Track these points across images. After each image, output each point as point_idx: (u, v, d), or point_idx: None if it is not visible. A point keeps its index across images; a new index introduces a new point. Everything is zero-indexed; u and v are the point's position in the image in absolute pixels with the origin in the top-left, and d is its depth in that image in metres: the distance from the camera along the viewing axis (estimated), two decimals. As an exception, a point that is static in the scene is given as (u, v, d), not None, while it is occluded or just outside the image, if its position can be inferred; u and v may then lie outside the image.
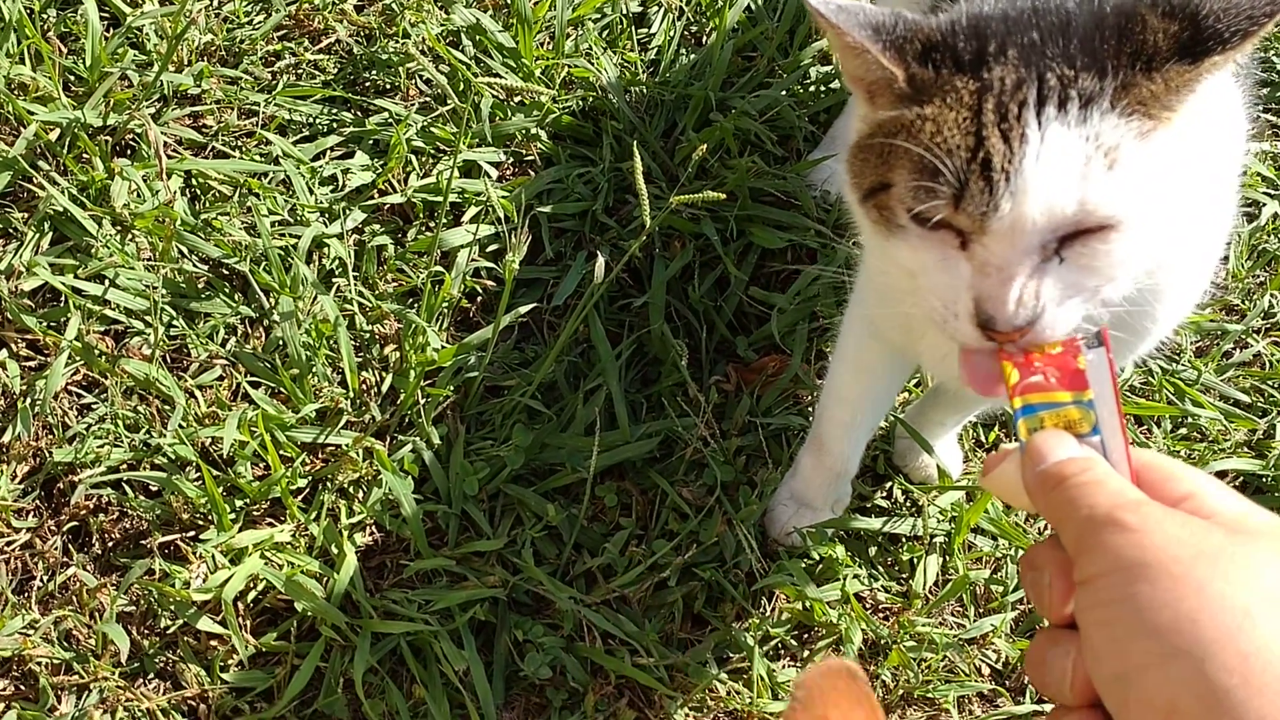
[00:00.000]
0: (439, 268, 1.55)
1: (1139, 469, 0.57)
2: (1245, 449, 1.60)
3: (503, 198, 1.59)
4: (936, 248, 0.80)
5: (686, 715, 1.37)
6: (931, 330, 1.11)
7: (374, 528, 1.42)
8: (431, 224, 1.61)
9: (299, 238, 1.53)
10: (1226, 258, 1.71)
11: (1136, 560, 0.49)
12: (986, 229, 0.75)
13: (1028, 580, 0.57)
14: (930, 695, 1.41)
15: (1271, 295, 1.72)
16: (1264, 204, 1.78)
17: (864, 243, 1.19)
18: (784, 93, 1.73)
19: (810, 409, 1.55)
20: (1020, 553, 1.49)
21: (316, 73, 1.73)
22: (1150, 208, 0.76)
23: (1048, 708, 1.41)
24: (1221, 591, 0.47)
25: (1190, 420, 1.60)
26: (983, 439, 1.60)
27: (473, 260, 1.57)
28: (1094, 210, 0.74)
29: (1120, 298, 0.82)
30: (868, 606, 1.45)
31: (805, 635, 1.43)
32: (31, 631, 1.30)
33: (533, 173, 1.68)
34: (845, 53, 0.82)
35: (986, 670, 1.45)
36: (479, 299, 1.59)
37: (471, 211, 1.61)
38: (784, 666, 1.41)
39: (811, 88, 1.78)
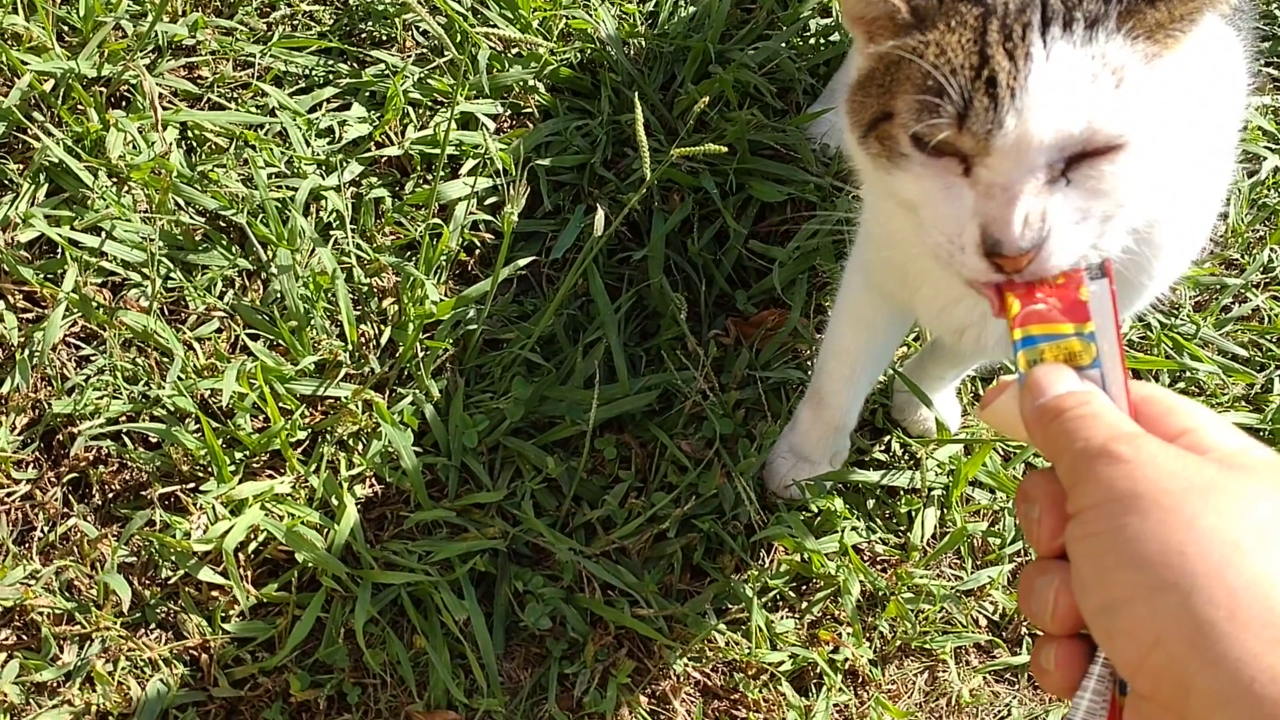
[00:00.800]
0: (437, 220, 1.54)
1: (1139, 402, 0.57)
2: (1243, 403, 1.60)
3: (500, 150, 1.58)
4: (939, 176, 0.79)
5: (685, 665, 1.38)
6: (928, 283, 1.11)
7: (373, 480, 1.42)
8: (429, 176, 1.60)
9: (296, 190, 1.52)
10: (1226, 213, 1.71)
11: (1127, 492, 0.49)
12: (991, 148, 0.74)
13: (1020, 511, 0.57)
14: (928, 646, 1.42)
15: (1271, 250, 1.71)
16: (1264, 158, 1.77)
17: (863, 192, 1.18)
18: (783, 45, 1.71)
19: (809, 363, 1.55)
20: (1017, 505, 1.50)
21: (312, 24, 1.71)
22: (1156, 130, 0.75)
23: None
24: (1212, 525, 0.47)
25: (1189, 374, 1.60)
26: (980, 393, 1.60)
27: (471, 213, 1.57)
28: (1101, 128, 0.73)
29: (1120, 247, 0.81)
30: (866, 558, 1.46)
31: (803, 587, 1.44)
32: (33, 582, 1.30)
33: (530, 125, 1.67)
34: None
35: (984, 622, 1.46)
36: (477, 252, 1.58)
37: (469, 164, 1.60)
38: (782, 617, 1.42)
39: (811, 40, 1.76)
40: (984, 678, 1.43)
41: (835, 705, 1.38)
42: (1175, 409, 0.56)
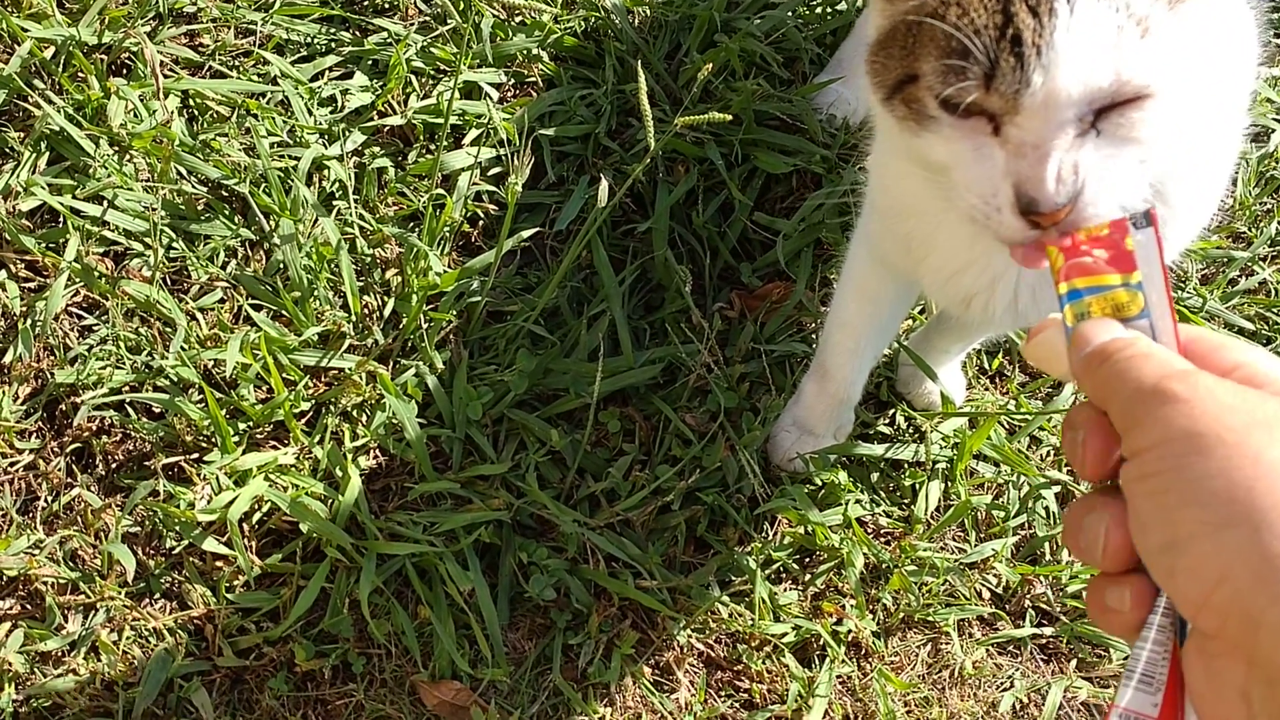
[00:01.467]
0: (440, 191, 1.53)
1: (1186, 343, 0.56)
2: (1248, 377, 1.59)
3: (504, 120, 1.57)
4: (969, 137, 0.78)
5: (689, 636, 1.38)
6: (934, 252, 1.10)
7: (377, 451, 1.42)
8: (432, 146, 1.59)
9: (298, 159, 1.51)
10: (1235, 181, 1.70)
11: (1187, 430, 0.48)
12: (1020, 106, 0.74)
13: (1066, 440, 0.56)
14: (931, 619, 1.42)
15: (1278, 223, 1.70)
16: (1273, 130, 1.76)
17: (868, 163, 1.17)
18: (790, 14, 1.70)
19: (814, 336, 1.54)
20: (1022, 479, 1.50)
21: (314, -9, 1.69)
22: (1181, 78, 0.75)
23: (1046, 631, 1.43)
24: (1278, 459, 0.46)
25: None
26: (986, 366, 1.60)
27: (474, 184, 1.56)
28: (1129, 79, 0.73)
29: (1141, 198, 0.81)
30: (869, 531, 1.46)
31: (807, 559, 1.44)
32: (37, 551, 1.30)
33: (534, 94, 1.65)
34: None
35: (987, 594, 1.46)
36: (480, 223, 1.57)
37: (473, 134, 1.59)
38: (785, 590, 1.42)
39: (818, 9, 1.74)
40: (987, 650, 1.43)
41: (838, 677, 1.39)
42: (1224, 344, 0.54)
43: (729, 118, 1.24)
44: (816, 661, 1.39)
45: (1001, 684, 1.42)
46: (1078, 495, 1.51)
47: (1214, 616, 0.46)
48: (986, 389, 1.59)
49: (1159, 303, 0.56)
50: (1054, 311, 0.61)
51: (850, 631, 1.40)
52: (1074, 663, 1.44)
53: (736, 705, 1.37)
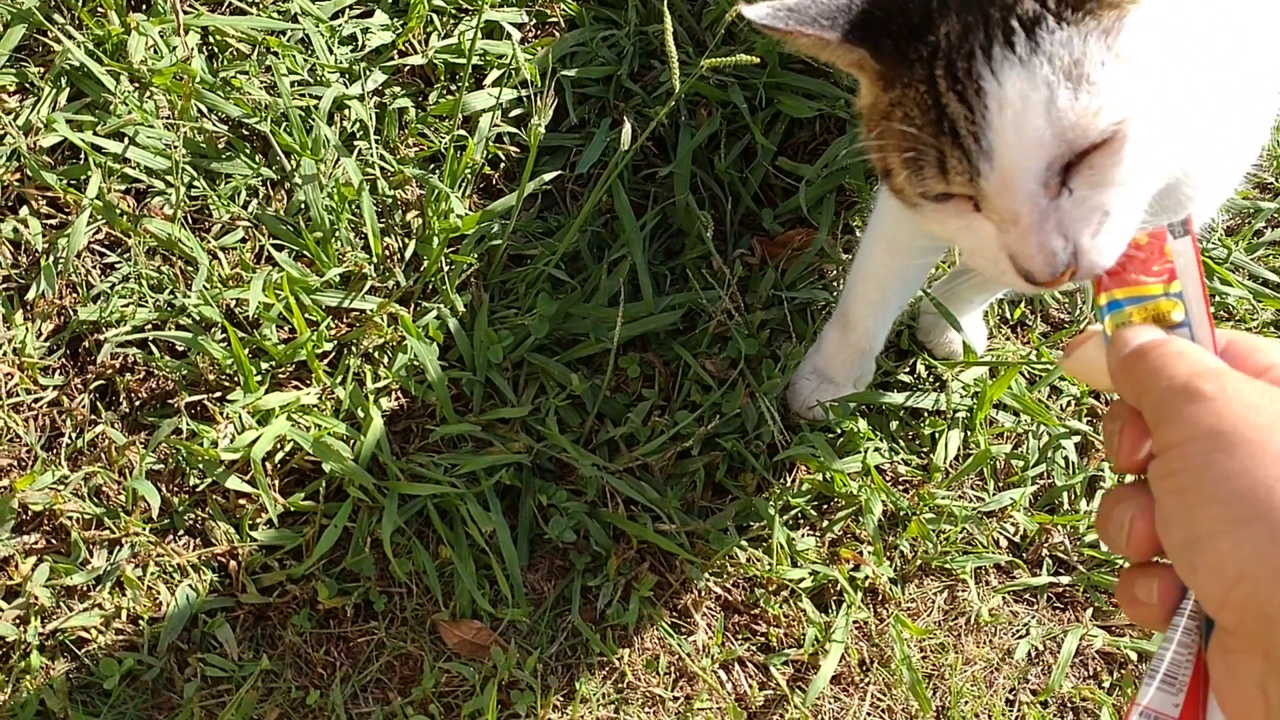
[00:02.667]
0: (461, 132, 1.52)
1: (1225, 347, 0.57)
2: (1272, 329, 1.59)
3: (526, 60, 1.55)
4: (955, 216, 0.79)
5: (707, 580, 1.39)
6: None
7: (399, 393, 1.42)
8: (453, 87, 1.57)
9: (319, 98, 1.50)
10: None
11: (1213, 428, 0.48)
12: (980, 191, 0.74)
13: (1106, 432, 0.57)
14: (948, 566, 1.43)
15: (1307, 176, 1.69)
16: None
17: None
18: (817, -44, 1.67)
19: (835, 283, 1.54)
20: (1042, 428, 1.50)
21: (333, -73, 1.67)
22: (1149, 98, 0.72)
23: (1063, 580, 1.44)
24: None
25: (1218, 299, 1.59)
26: (1008, 315, 1.59)
27: (495, 125, 1.54)
28: (1079, 135, 0.71)
29: (1155, 192, 0.80)
30: (888, 479, 1.46)
31: (825, 506, 1.45)
32: (61, 487, 1.31)
33: (556, 35, 1.63)
34: (811, 49, 0.81)
35: (1004, 543, 1.46)
36: (502, 165, 1.56)
37: (494, 75, 1.58)
38: (803, 535, 1.43)
39: (845, -48, 1.71)
40: (1003, 598, 1.44)
41: (855, 622, 1.40)
42: (1258, 347, 0.55)
43: (755, 59, 1.22)
44: (833, 607, 1.40)
45: (1017, 631, 1.43)
46: (1097, 446, 1.51)
47: (1233, 613, 0.47)
48: (1008, 338, 1.58)
49: (1198, 310, 0.57)
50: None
51: (867, 578, 1.41)
52: (1090, 611, 1.45)
53: (753, 648, 1.39)
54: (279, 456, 1.35)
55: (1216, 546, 0.47)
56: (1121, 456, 0.55)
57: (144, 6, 1.55)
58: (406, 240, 1.48)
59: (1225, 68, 0.85)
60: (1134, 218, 0.76)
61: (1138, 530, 0.53)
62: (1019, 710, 1.40)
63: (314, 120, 1.48)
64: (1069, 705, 1.42)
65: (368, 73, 1.54)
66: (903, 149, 0.76)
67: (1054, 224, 0.73)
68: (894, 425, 1.49)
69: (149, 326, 1.38)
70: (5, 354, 1.36)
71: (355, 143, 1.52)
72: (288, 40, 1.55)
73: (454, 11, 1.62)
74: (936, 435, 1.48)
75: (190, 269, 1.41)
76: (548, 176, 1.52)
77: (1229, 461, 0.47)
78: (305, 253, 1.45)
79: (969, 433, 1.49)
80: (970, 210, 0.78)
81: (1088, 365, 0.60)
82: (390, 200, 1.50)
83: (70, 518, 1.31)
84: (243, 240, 1.45)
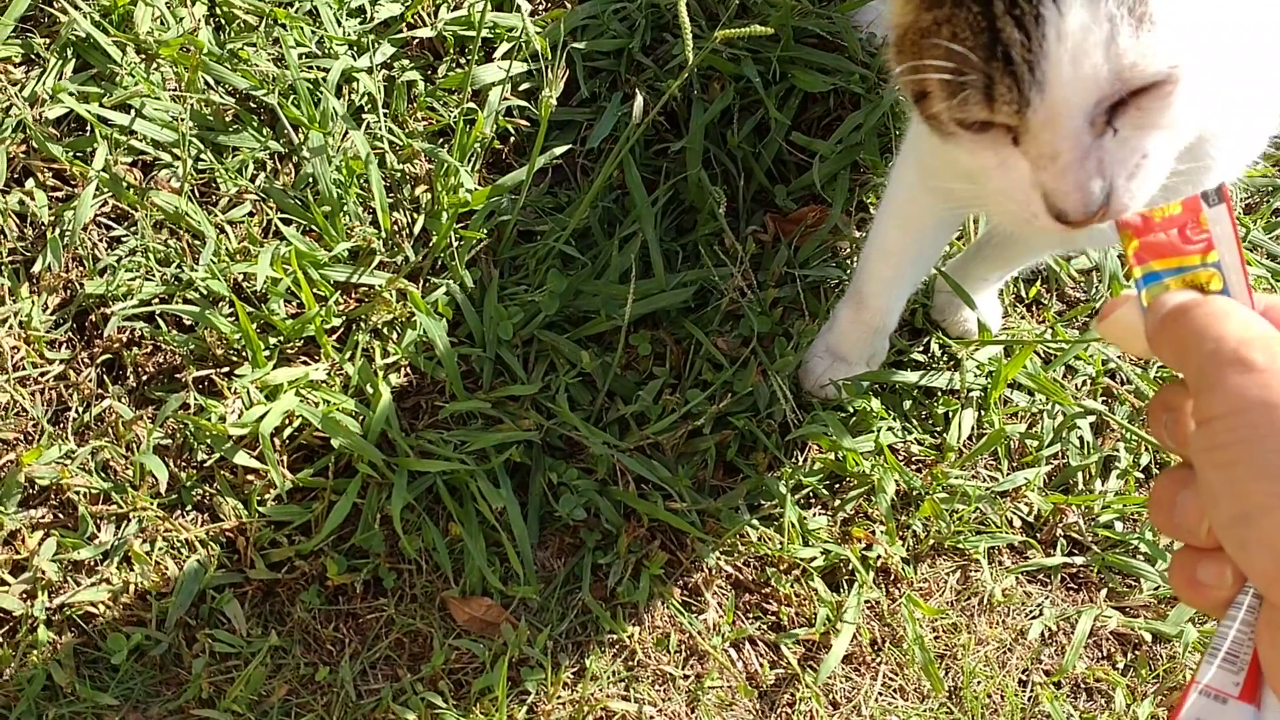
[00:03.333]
0: (471, 105, 1.50)
1: (1263, 312, 0.55)
2: (1290, 310, 1.57)
3: (536, 33, 1.53)
4: (990, 149, 0.76)
5: (718, 559, 1.38)
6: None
7: (408, 369, 1.41)
8: (463, 60, 1.55)
9: (327, 71, 1.48)
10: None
11: (1262, 400, 0.47)
12: (1025, 123, 0.72)
13: (1160, 422, 0.55)
14: (961, 546, 1.42)
15: (1327, 154, 1.67)
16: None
17: None
18: (832, -71, 1.65)
19: (849, 261, 1.52)
20: (1057, 408, 1.48)
21: (342, -102, 1.64)
22: (1200, 50, 0.71)
23: (1077, 560, 1.43)
24: None
25: (1236, 279, 1.57)
26: (1023, 294, 1.58)
27: (505, 99, 1.53)
28: (1136, 75, 0.69)
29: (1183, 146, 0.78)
30: (901, 458, 1.45)
31: (837, 485, 1.44)
32: (69, 461, 1.30)
33: (567, 6, 1.61)
34: None
35: (1018, 523, 1.45)
36: (511, 140, 1.55)
37: (504, 47, 1.56)
38: (815, 514, 1.42)
39: (860, -76, 1.69)
40: (1017, 578, 1.43)
41: (866, 601, 1.39)
42: None
43: (770, 30, 1.20)
44: (845, 586, 1.39)
45: (1031, 612, 1.42)
46: (1112, 426, 1.50)
47: None
48: (1023, 317, 1.57)
49: (1236, 280, 0.55)
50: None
51: (880, 557, 1.40)
52: (1104, 592, 1.44)
53: (764, 627, 1.38)
54: (287, 432, 1.33)
55: (1268, 521, 0.45)
56: (1179, 443, 0.53)
57: (150, -23, 1.53)
58: (415, 215, 1.46)
59: (1264, 26, 0.83)
60: (1167, 165, 0.75)
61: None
62: (1032, 691, 1.39)
63: (322, 93, 1.46)
64: (1082, 686, 1.41)
65: (376, 45, 1.52)
66: (945, 71, 0.73)
67: (1094, 162, 0.71)
68: (907, 404, 1.47)
69: (156, 300, 1.37)
70: (11, 327, 1.34)
71: (363, 116, 1.50)
72: (295, 12, 1.53)
73: (464, -17, 1.60)
74: (950, 414, 1.46)
75: (197, 243, 1.40)
76: (558, 151, 1.50)
77: (1279, 435, 0.46)
78: (313, 227, 1.43)
79: (983, 412, 1.47)
80: (1007, 144, 0.75)
81: (1124, 329, 0.58)
82: (399, 174, 1.48)
83: (77, 492, 1.30)
84: (250, 214, 1.44)
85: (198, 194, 1.44)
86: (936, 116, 0.78)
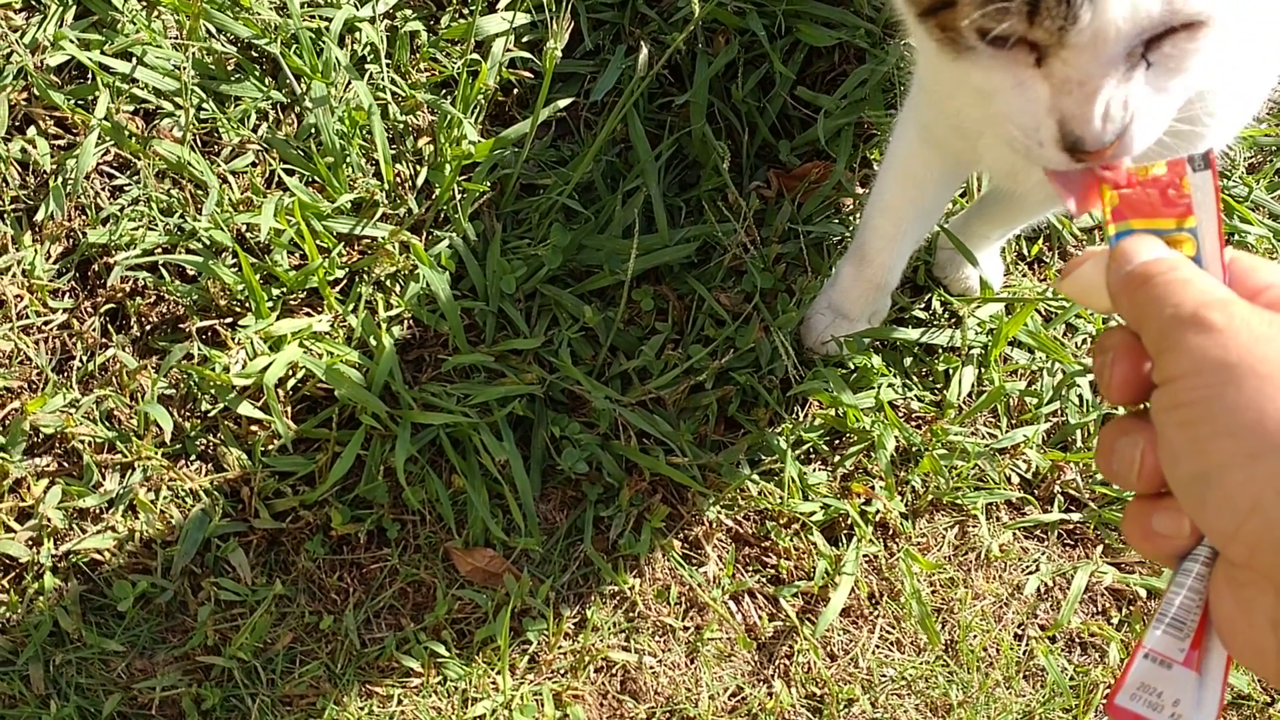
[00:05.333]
0: (474, 56, 1.49)
1: (1226, 265, 0.55)
2: (1291, 271, 1.57)
3: (542, -15, 1.52)
4: (1009, 68, 0.74)
5: (718, 512, 1.39)
6: (987, 133, 1.07)
7: (411, 322, 1.41)
8: (466, 10, 1.54)
9: (330, 20, 1.47)
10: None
11: (1221, 360, 0.47)
12: (1065, 42, 0.69)
13: (1096, 364, 0.55)
14: (959, 502, 1.43)
15: (1332, 115, 1.66)
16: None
17: (917, 41, 1.13)
18: (839, -119, 1.63)
19: (853, 217, 1.52)
20: (1056, 365, 1.49)
21: None
22: (1238, 2, 0.70)
23: (1074, 517, 1.44)
24: None
25: (1238, 237, 1.57)
26: (1025, 252, 1.58)
27: (508, 50, 1.52)
28: (1185, 10, 0.68)
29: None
30: (901, 414, 1.46)
31: (837, 441, 1.45)
32: (73, 410, 1.31)
33: (572, -40, 1.60)
34: None
35: (1016, 480, 1.46)
36: (515, 92, 1.54)
37: (508, -1, 1.55)
38: (815, 470, 1.43)
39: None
40: (1014, 533, 1.44)
41: (865, 556, 1.40)
42: (1255, 267, 0.54)
43: (779, -16, 1.20)
44: (844, 540, 1.41)
45: (1027, 567, 1.43)
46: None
47: (1244, 547, 0.46)
48: (1024, 275, 1.57)
49: (1211, 248, 0.55)
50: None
51: (878, 512, 1.41)
52: (1100, 548, 1.45)
53: (763, 580, 1.39)
54: (291, 383, 1.34)
55: (1229, 479, 0.46)
56: (1115, 389, 0.53)
57: (150, -78, 1.51)
58: (418, 167, 1.46)
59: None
60: (1174, 111, 0.74)
61: (1149, 463, 0.52)
62: (1027, 645, 1.41)
63: (325, 42, 1.45)
64: (1077, 641, 1.43)
65: (379, -6, 1.51)
66: None
67: (1122, 93, 0.70)
68: (908, 361, 1.48)
69: (159, 250, 1.37)
70: (15, 276, 1.34)
71: (366, 66, 1.49)
72: (297, -40, 1.51)
73: (467, -67, 1.58)
74: (950, 371, 1.47)
75: (200, 193, 1.39)
76: (562, 103, 1.49)
77: (1238, 394, 0.46)
78: (316, 178, 1.43)
79: (983, 369, 1.48)
80: (1028, 65, 0.73)
81: (1087, 286, 0.57)
82: (402, 126, 1.47)
83: (82, 441, 1.30)
84: (253, 164, 1.43)
85: (200, 143, 1.43)
86: (955, 28, 0.74)
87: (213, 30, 1.45)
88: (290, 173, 1.43)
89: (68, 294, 1.37)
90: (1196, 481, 0.48)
